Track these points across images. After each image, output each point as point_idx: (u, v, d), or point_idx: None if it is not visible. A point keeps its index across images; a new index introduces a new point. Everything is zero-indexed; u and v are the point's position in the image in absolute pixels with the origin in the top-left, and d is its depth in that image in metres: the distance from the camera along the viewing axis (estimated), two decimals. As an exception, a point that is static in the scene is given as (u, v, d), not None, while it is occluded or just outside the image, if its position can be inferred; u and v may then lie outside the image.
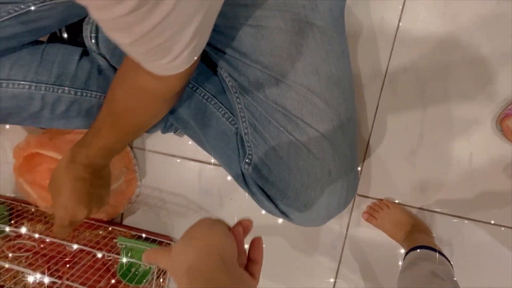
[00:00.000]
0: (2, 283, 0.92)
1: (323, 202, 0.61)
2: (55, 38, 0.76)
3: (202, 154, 0.90)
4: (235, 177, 0.70)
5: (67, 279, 0.77)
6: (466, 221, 0.83)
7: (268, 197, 0.64)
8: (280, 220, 0.89)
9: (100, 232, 0.93)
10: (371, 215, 0.85)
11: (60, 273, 0.77)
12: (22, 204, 0.92)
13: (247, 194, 0.71)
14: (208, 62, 0.70)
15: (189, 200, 0.92)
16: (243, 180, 0.68)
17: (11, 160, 0.96)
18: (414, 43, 0.80)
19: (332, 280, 0.90)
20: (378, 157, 0.85)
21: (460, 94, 0.80)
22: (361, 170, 0.86)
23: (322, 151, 0.58)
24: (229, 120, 0.69)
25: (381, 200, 0.86)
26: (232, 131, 0.69)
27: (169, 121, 0.80)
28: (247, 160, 0.64)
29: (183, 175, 0.91)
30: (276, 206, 0.64)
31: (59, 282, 0.67)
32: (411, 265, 0.66)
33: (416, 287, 0.60)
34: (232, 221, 0.91)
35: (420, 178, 0.84)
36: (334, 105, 0.60)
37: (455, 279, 0.64)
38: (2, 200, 0.92)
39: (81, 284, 0.78)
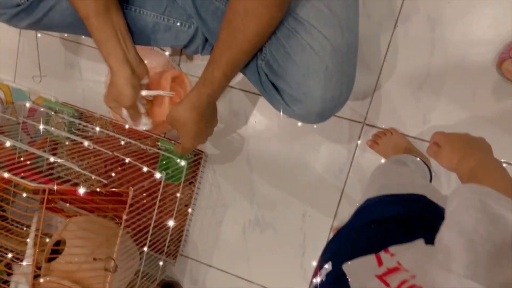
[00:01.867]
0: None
1: (319, 93, 0.74)
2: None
3: (234, 80, 1.05)
4: (252, 79, 0.84)
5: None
6: (462, 153, 0.90)
7: (277, 91, 0.78)
8: (298, 144, 1.03)
9: (148, 141, 1.12)
10: (375, 141, 0.95)
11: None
12: (89, 111, 1.14)
13: (264, 98, 0.85)
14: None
15: (220, 120, 1.08)
16: (258, 79, 0.82)
17: (86, 77, 1.18)
18: (428, -14, 0.88)
19: (337, 199, 1.02)
20: (387, 90, 0.94)
21: (467, 37, 0.87)
22: (371, 101, 0.96)
23: (322, 49, 0.71)
24: None
25: (385, 128, 0.95)
26: None
27: (208, 42, 0.96)
28: (262, 57, 0.78)
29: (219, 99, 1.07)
30: (283, 99, 0.78)
31: (121, 156, 0.86)
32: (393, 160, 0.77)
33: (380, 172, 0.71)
34: (256, 147, 1.05)
35: (423, 112, 0.92)
36: (337, 13, 0.73)
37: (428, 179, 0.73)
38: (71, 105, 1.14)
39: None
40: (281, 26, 0.74)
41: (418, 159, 0.77)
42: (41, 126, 0.93)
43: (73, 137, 0.98)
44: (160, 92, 0.91)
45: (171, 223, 1.01)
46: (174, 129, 0.84)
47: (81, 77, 1.19)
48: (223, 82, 0.76)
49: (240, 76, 1.04)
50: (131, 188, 0.72)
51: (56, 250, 0.84)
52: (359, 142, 0.99)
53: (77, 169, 0.77)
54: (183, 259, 1.19)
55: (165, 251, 1.07)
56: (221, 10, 0.87)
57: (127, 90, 0.81)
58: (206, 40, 0.96)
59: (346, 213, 1.03)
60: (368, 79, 0.95)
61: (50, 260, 0.80)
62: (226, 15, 0.73)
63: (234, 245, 1.14)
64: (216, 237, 1.15)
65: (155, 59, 1.11)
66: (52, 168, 1.25)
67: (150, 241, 0.99)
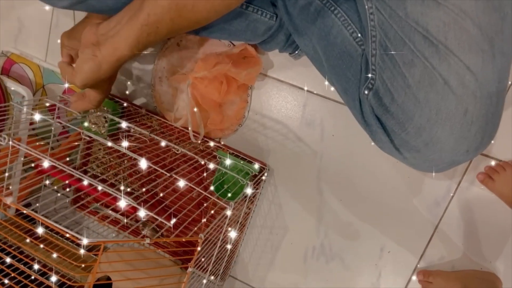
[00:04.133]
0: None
1: (450, 144, 0.55)
2: None
3: (312, 83, 0.86)
4: (350, 104, 0.66)
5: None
6: None
7: (384, 130, 0.59)
8: (386, 164, 0.85)
9: (201, 147, 0.96)
10: (489, 176, 0.77)
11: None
12: (134, 107, 0.97)
13: (360, 126, 0.67)
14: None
15: (289, 129, 0.90)
16: (359, 108, 0.63)
17: (134, 65, 1.01)
18: None
19: (427, 237, 0.85)
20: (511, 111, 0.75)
21: None
22: (488, 125, 0.77)
23: (462, 86, 0.51)
24: (357, 40, 0.64)
25: (505, 162, 0.77)
26: (357, 52, 0.64)
27: (290, 39, 0.77)
28: (368, 85, 0.59)
29: (289, 102, 0.89)
30: (391, 141, 0.59)
31: (168, 174, 0.70)
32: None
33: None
34: (330, 164, 0.88)
35: (559, 145, 0.73)
36: (489, 33, 0.52)
37: None
38: (117, 99, 0.97)
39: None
40: (403, 47, 0.54)
41: None
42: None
43: (112, 144, 0.81)
44: None
45: (229, 245, 0.86)
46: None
47: (128, 63, 1.02)
48: (147, 45, 0.64)
49: (319, 79, 0.85)
50: (201, 235, 0.56)
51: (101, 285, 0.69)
52: (466, 173, 0.80)
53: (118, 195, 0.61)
54: (230, 280, 1.05)
55: (220, 273, 0.92)
56: (314, 6, 0.67)
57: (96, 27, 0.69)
58: (289, 35, 0.76)
59: (436, 254, 0.86)
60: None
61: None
62: None
63: (292, 272, 0.98)
64: (271, 261, 1.00)
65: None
66: (86, 164, 1.11)
67: (199, 259, 0.84)
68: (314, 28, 0.67)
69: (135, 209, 0.84)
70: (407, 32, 0.53)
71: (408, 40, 0.54)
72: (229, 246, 0.88)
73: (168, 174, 0.69)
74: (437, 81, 0.52)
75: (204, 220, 0.86)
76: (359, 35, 0.63)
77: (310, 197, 0.92)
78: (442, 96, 0.53)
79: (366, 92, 0.60)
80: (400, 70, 0.55)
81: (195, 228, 0.56)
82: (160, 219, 0.52)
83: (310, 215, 0.93)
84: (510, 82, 0.74)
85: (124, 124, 0.84)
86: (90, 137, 0.96)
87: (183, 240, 0.55)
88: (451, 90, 0.52)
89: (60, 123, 0.80)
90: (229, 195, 0.86)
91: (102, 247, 0.46)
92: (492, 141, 0.57)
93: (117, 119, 0.85)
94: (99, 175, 1.10)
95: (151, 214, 0.54)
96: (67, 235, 0.46)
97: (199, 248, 0.55)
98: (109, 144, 0.74)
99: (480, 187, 0.79)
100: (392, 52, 0.55)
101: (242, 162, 0.86)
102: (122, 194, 0.60)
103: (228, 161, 0.86)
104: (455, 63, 0.52)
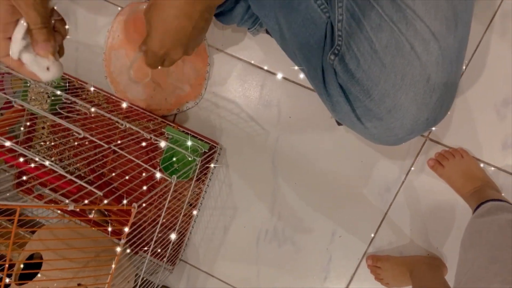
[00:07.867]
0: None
1: (412, 111, 0.54)
2: None
3: (270, 63, 0.84)
4: (312, 74, 0.64)
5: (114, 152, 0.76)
6: (547, 191, 0.74)
7: (346, 100, 0.58)
8: (341, 149, 0.84)
9: (150, 125, 0.91)
10: (439, 162, 0.77)
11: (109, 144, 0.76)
12: (79, 82, 0.91)
13: (318, 96, 0.65)
14: None
15: (245, 109, 0.88)
16: (321, 77, 0.62)
17: (82, 35, 0.95)
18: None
19: (377, 222, 0.85)
20: (464, 100, 0.75)
21: None
22: (440, 112, 0.77)
23: (426, 52, 0.51)
24: (321, 7, 0.62)
25: (455, 148, 0.77)
26: (322, 19, 0.62)
27: (248, 12, 0.74)
28: (334, 51, 0.58)
29: (247, 82, 0.86)
30: (353, 110, 0.58)
31: (106, 146, 0.65)
32: (487, 213, 0.59)
33: (487, 234, 0.54)
34: (286, 146, 0.86)
35: (506, 134, 0.74)
36: (453, 1, 0.52)
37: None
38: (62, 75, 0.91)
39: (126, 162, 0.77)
40: (371, 12, 0.53)
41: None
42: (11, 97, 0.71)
43: (53, 117, 0.75)
44: None
45: (173, 234, 0.83)
46: (148, 23, 0.51)
47: (76, 33, 0.95)
48: None
49: (281, 59, 0.83)
50: (134, 204, 0.52)
51: (33, 264, 0.65)
52: (417, 159, 0.81)
53: (66, 175, 0.56)
54: (181, 264, 1.01)
55: (166, 257, 0.89)
56: None
57: None
58: (247, 8, 0.74)
59: (385, 239, 0.86)
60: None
61: (23, 277, 0.61)
62: None
63: (243, 256, 0.96)
64: (222, 244, 0.97)
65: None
66: (30, 139, 1.04)
67: (144, 242, 0.81)
68: None
69: (78, 189, 0.79)
70: None
71: (376, 4, 0.53)
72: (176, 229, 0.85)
73: (106, 146, 0.64)
74: (404, 46, 0.52)
75: (143, 188, 0.82)
76: (324, 2, 0.61)
77: (264, 179, 0.90)
78: (408, 61, 0.52)
79: (332, 57, 0.59)
80: (367, 34, 0.54)
81: (131, 197, 0.53)
82: (90, 188, 0.48)
83: (263, 198, 0.91)
84: (464, 67, 0.74)
85: (64, 97, 0.78)
86: (31, 112, 0.90)
87: (115, 209, 0.51)
88: (417, 56, 0.52)
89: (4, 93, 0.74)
90: (178, 173, 0.83)
91: (18, 212, 0.42)
92: (446, 115, 0.57)
93: (58, 92, 0.80)
94: (43, 157, 1.04)
95: (81, 183, 0.50)
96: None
97: (132, 218, 0.52)
98: (47, 115, 0.69)
99: (430, 174, 0.80)
100: (360, 17, 0.54)
101: (191, 139, 0.83)
102: (65, 173, 0.56)
103: (176, 138, 0.83)
104: (421, 29, 0.51)
